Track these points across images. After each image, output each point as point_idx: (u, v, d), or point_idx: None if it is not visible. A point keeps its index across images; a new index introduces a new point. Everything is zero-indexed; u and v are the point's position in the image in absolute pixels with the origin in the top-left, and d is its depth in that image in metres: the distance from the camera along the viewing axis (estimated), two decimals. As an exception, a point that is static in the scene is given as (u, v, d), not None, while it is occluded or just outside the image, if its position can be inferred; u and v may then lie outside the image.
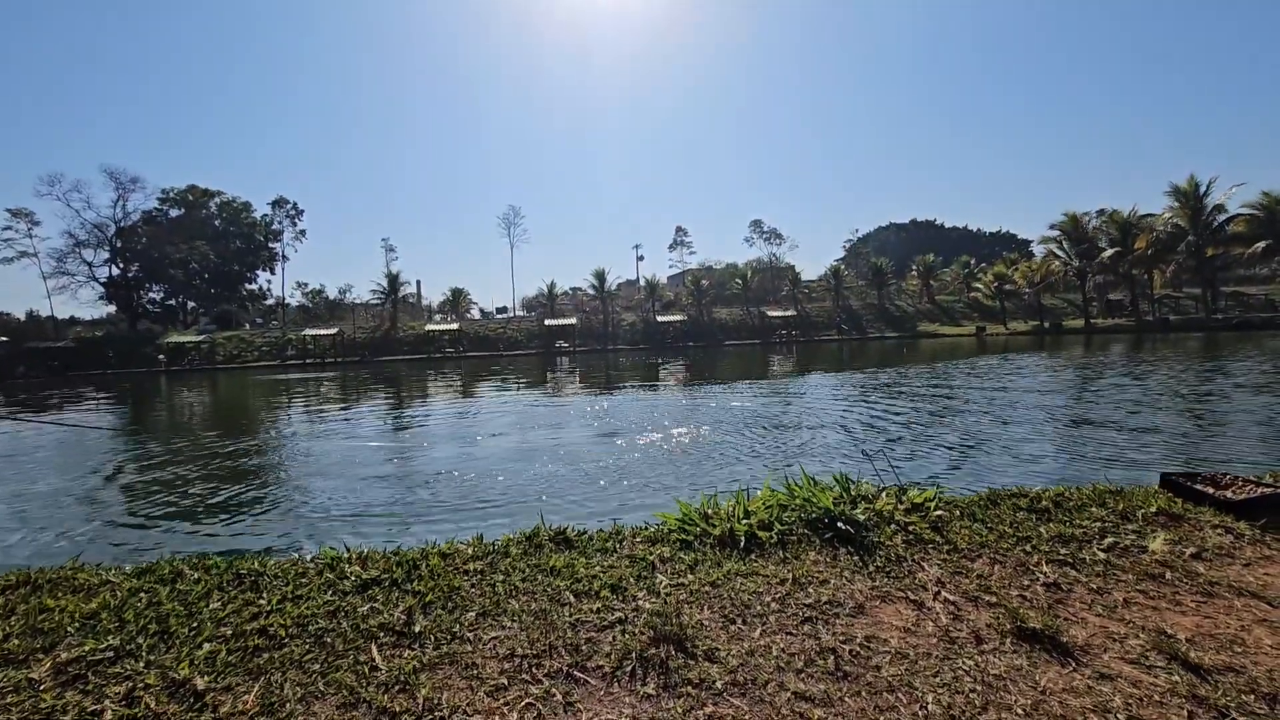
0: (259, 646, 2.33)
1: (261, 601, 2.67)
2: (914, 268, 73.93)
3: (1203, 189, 47.69)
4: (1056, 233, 56.04)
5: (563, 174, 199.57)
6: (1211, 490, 3.83)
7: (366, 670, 2.18)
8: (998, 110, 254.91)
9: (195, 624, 2.49)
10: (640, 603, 2.65)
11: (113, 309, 66.53)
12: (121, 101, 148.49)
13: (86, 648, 2.31)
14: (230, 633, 2.42)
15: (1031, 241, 77.88)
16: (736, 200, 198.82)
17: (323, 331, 56.67)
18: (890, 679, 2.11)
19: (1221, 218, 47.46)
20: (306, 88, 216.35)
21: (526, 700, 2.03)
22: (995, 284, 60.80)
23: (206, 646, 2.32)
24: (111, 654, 2.28)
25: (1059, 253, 56.00)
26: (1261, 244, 43.91)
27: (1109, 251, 51.68)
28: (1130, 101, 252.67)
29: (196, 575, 2.97)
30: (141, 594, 2.77)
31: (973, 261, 72.68)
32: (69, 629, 2.46)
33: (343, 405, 20.26)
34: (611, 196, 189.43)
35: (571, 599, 2.70)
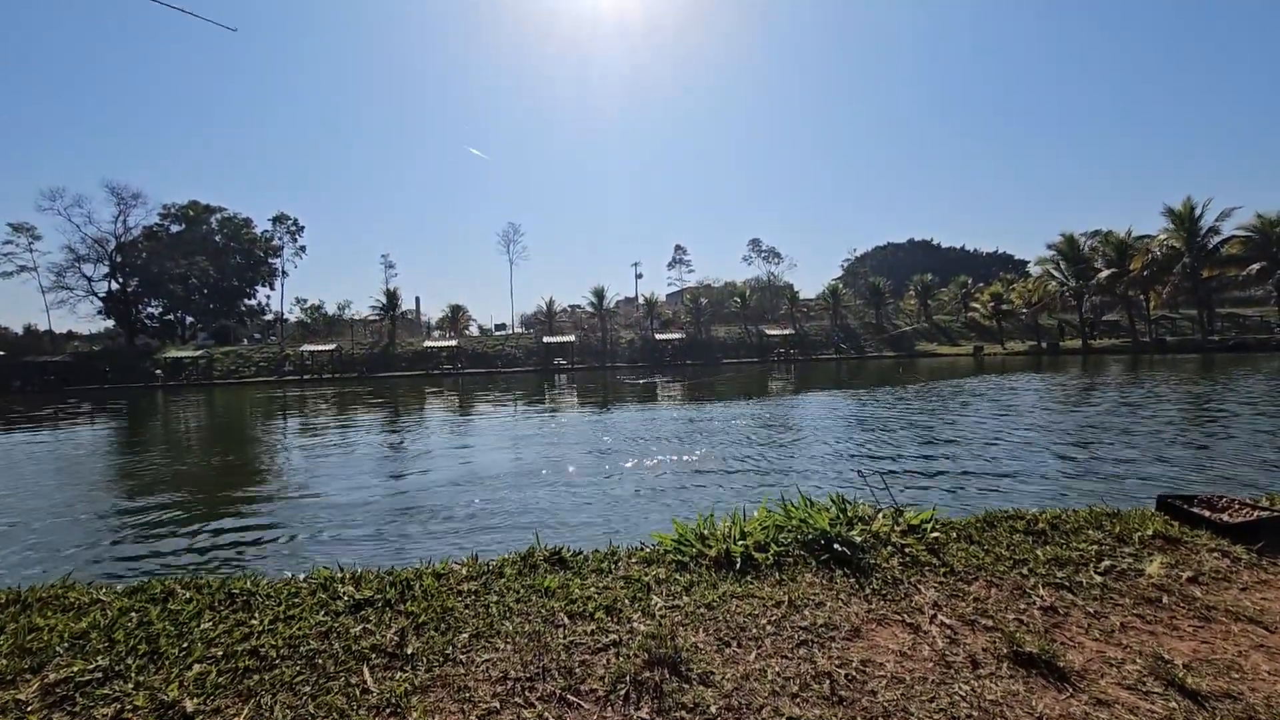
0: (249, 668, 2.31)
1: (253, 621, 2.65)
2: (911, 287, 74.26)
3: (1198, 211, 48.14)
4: (1053, 253, 56.44)
5: (562, 191, 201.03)
6: (1208, 513, 3.82)
7: (358, 693, 2.16)
8: (995, 131, 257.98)
9: (186, 644, 2.47)
10: (635, 625, 2.63)
11: (111, 324, 66.58)
12: (125, 116, 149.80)
13: (75, 668, 2.28)
14: (221, 653, 2.40)
15: (1028, 262, 78.32)
16: (735, 219, 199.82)
17: (321, 347, 56.66)
18: (886, 704, 2.09)
19: (1216, 239, 47.87)
20: (308, 105, 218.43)
21: (519, 724, 2.01)
22: (992, 304, 61.06)
23: (196, 668, 2.29)
24: (100, 675, 2.26)
25: (1055, 273, 56.34)
26: (1256, 265, 44.28)
27: (1105, 272, 51.96)
28: (1127, 123, 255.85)
29: (188, 594, 2.95)
30: (132, 613, 2.75)
31: (970, 281, 73.01)
32: (58, 649, 2.44)
33: (338, 422, 20.20)
34: (611, 214, 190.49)
35: (566, 621, 2.68)
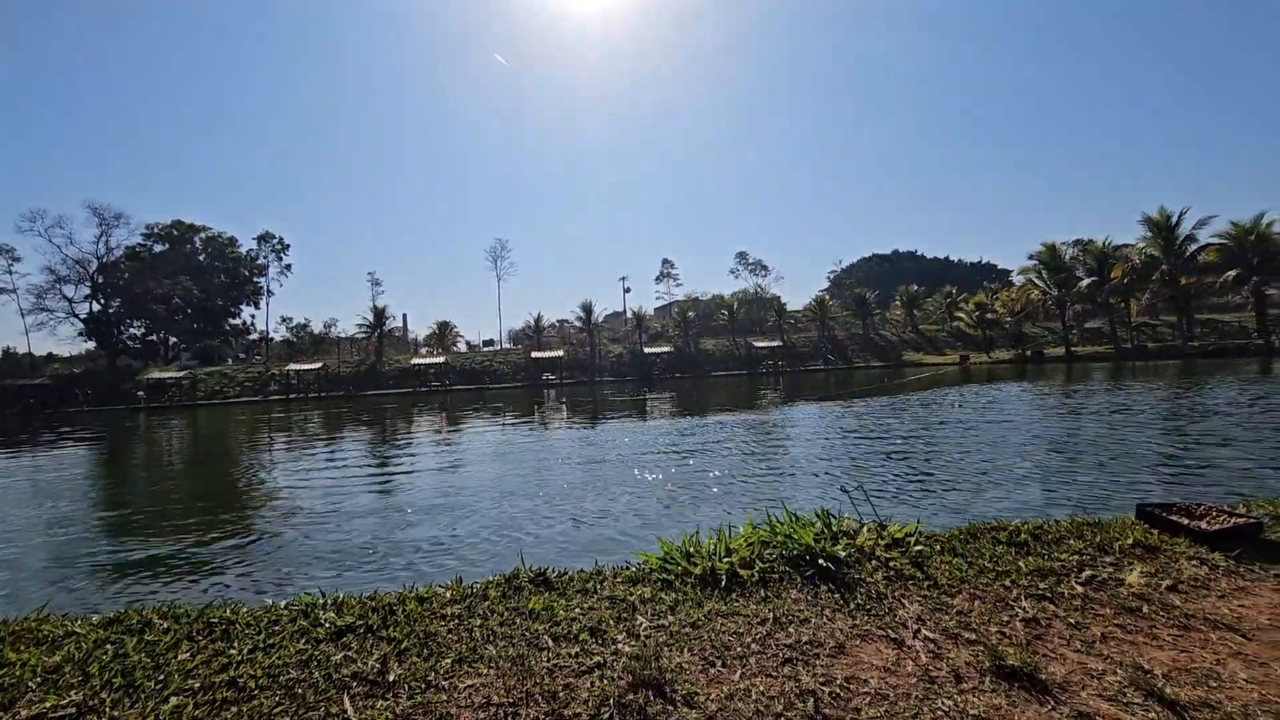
0: (227, 699, 2.27)
1: (232, 651, 2.61)
2: (897, 298, 74.91)
3: (1174, 220, 49.10)
4: (1035, 262, 57.23)
5: (549, 207, 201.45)
6: (1186, 521, 3.87)
7: (338, 723, 2.13)
8: (978, 142, 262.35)
9: (162, 676, 2.42)
10: (619, 646, 2.62)
11: (92, 345, 65.59)
12: (109, 136, 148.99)
13: (48, 704, 2.24)
14: (198, 685, 2.36)
15: (1011, 271, 79.43)
16: (722, 232, 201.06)
17: (306, 366, 56.11)
18: (869, 722, 2.09)
19: (1193, 247, 48.80)
20: (293, 124, 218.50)
21: (501, 752, 1.99)
22: (977, 313, 61.74)
23: (173, 700, 2.25)
24: (74, 710, 2.21)
25: (1038, 282, 57.15)
26: (1232, 272, 45.15)
27: (1086, 281, 52.78)
28: (1106, 133, 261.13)
29: (165, 624, 2.90)
30: (108, 645, 2.70)
31: (954, 291, 73.78)
32: (30, 684, 2.39)
33: (323, 443, 20.00)
34: (598, 229, 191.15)
35: (550, 643, 2.66)
